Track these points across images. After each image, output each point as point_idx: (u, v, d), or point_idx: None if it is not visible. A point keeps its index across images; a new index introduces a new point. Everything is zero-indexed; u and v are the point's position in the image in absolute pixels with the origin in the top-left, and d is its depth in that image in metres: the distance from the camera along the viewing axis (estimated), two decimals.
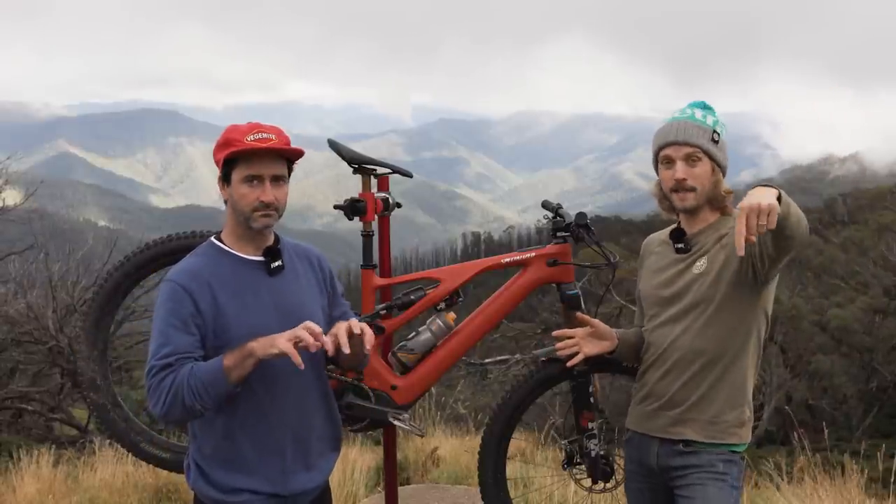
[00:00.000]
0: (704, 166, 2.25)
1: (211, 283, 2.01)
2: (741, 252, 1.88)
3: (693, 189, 2.25)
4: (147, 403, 2.02)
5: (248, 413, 2.04)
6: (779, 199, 1.92)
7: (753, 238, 1.87)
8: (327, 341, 1.93)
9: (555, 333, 2.57)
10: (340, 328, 1.98)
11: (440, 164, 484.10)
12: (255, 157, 2.00)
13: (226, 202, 2.08)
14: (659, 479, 2.33)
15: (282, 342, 1.87)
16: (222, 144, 2.03)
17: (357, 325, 1.99)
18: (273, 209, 2.03)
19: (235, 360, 1.91)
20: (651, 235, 2.55)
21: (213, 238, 2.12)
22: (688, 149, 2.24)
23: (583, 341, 2.50)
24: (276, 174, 2.03)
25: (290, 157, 2.08)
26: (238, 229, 2.08)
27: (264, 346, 1.90)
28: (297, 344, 1.88)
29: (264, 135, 2.01)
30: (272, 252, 2.10)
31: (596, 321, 2.54)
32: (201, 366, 1.93)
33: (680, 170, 2.24)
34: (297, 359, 1.86)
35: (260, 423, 2.05)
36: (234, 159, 2.01)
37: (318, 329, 1.91)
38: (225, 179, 2.04)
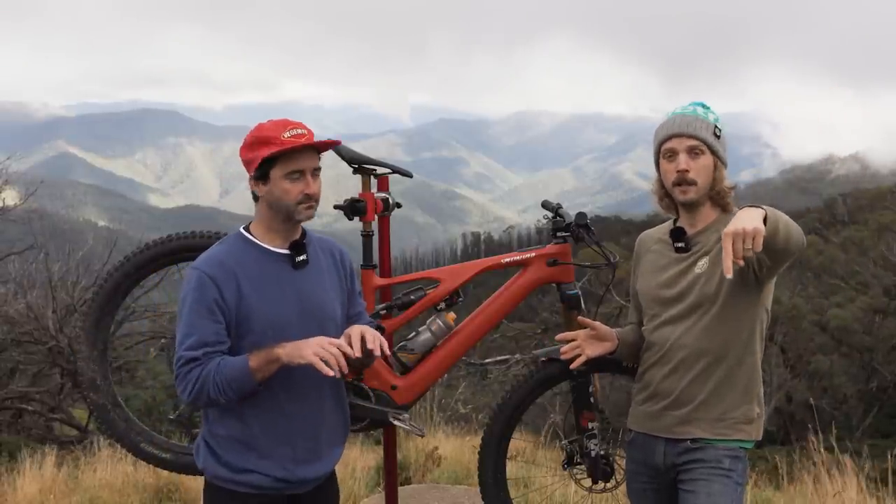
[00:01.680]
0: (707, 160, 2.26)
1: (236, 273, 2.06)
2: (729, 274, 1.91)
3: (694, 182, 2.25)
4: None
5: (263, 404, 2.08)
6: (766, 219, 1.95)
7: (741, 262, 1.91)
8: (350, 352, 1.98)
9: (558, 337, 2.58)
10: (354, 333, 2.02)
11: (440, 164, 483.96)
12: (295, 153, 2.06)
13: (256, 199, 2.13)
14: (664, 477, 2.33)
15: (309, 354, 1.94)
16: (259, 143, 2.07)
17: (371, 338, 2.02)
18: (314, 200, 2.11)
19: (260, 362, 1.98)
20: (645, 233, 2.54)
21: (241, 229, 2.17)
22: (691, 141, 2.25)
23: (585, 343, 2.51)
24: (315, 167, 2.12)
25: (323, 149, 2.15)
26: (272, 223, 2.12)
27: (291, 354, 1.96)
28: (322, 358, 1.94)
29: (299, 130, 2.07)
30: (298, 246, 2.14)
31: (597, 323, 2.54)
32: (227, 363, 1.98)
33: (683, 161, 2.25)
34: (324, 369, 1.93)
35: (274, 415, 2.09)
36: (274, 157, 2.05)
37: (346, 351, 1.97)
38: (262, 177, 2.08)
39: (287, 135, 2.05)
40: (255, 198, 2.14)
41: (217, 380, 1.97)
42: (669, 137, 2.28)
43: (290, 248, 2.14)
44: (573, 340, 2.53)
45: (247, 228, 2.17)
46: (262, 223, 2.14)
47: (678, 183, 2.27)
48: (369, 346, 2.01)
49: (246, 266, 2.08)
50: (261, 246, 2.12)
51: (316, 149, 2.12)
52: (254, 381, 1.98)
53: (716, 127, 2.28)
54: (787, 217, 2.04)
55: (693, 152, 2.25)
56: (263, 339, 2.03)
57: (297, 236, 2.16)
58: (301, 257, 2.14)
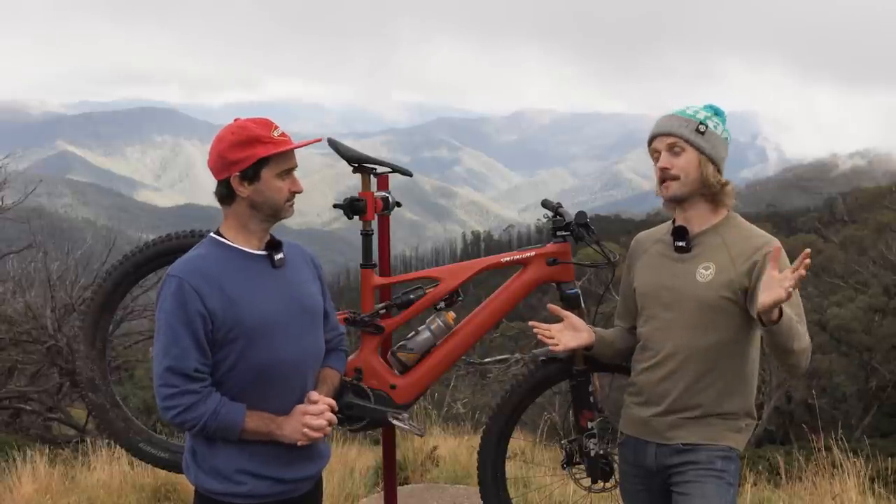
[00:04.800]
0: (689, 156, 2.26)
1: (220, 279, 2.03)
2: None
3: (676, 178, 2.27)
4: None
5: (256, 405, 2.07)
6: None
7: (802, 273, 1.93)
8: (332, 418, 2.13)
9: (531, 323, 2.55)
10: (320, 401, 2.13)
11: (439, 162, 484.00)
12: (287, 153, 2.08)
13: (232, 199, 2.08)
14: (656, 479, 2.33)
15: (303, 438, 2.06)
16: (250, 142, 2.03)
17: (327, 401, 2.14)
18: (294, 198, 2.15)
19: (258, 431, 2.04)
20: (642, 233, 2.53)
21: (212, 234, 2.14)
22: (669, 139, 2.28)
23: (559, 334, 2.49)
24: (296, 165, 2.14)
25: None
26: (250, 224, 2.10)
27: (293, 434, 2.05)
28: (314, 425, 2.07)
29: (282, 130, 2.09)
30: (275, 245, 2.14)
31: (569, 313, 2.53)
32: (225, 415, 2.01)
33: (663, 159, 2.29)
34: (325, 432, 2.09)
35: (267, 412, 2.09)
36: (267, 157, 2.04)
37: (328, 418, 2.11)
38: (252, 177, 2.05)
39: (276, 134, 2.06)
40: (226, 199, 2.08)
41: (209, 423, 1.99)
42: (652, 139, 2.33)
43: (266, 248, 2.13)
44: (548, 330, 2.50)
45: (218, 233, 2.13)
46: (237, 225, 2.11)
47: (661, 180, 2.30)
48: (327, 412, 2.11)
49: (227, 270, 2.05)
50: (238, 249, 2.10)
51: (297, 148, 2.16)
52: (238, 437, 2.03)
53: (700, 123, 2.28)
54: (801, 328, 2.08)
55: (673, 150, 2.27)
56: (254, 342, 2.03)
57: (269, 238, 2.16)
58: (279, 256, 2.14)
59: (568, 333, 2.49)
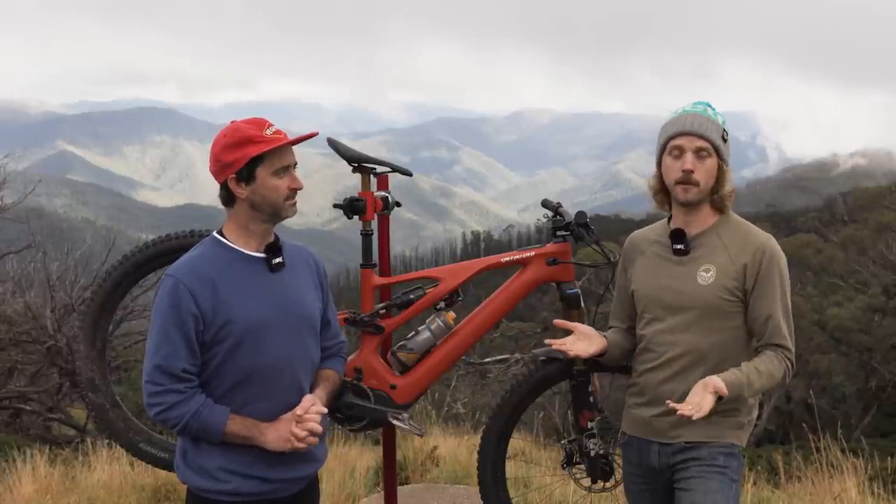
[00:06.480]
0: (712, 163, 2.25)
1: (214, 280, 2.03)
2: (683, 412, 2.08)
3: (697, 183, 2.24)
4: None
5: (244, 406, 2.07)
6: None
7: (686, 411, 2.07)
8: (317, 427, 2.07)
9: (547, 342, 2.53)
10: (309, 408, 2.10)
11: (439, 162, 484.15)
12: (281, 150, 2.07)
13: (230, 202, 2.09)
14: (660, 478, 2.34)
15: (288, 446, 2.03)
16: (242, 143, 2.03)
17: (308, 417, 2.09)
18: (295, 196, 2.13)
19: (240, 435, 2.02)
20: (636, 233, 2.51)
21: (215, 233, 2.15)
22: (701, 142, 2.23)
23: (573, 345, 2.45)
24: (296, 162, 2.12)
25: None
26: (251, 225, 2.10)
27: (276, 441, 2.03)
28: (302, 437, 2.04)
29: (276, 127, 2.08)
30: (274, 249, 2.13)
31: (576, 324, 2.51)
32: (206, 416, 2.01)
33: (689, 161, 2.23)
34: (310, 442, 2.05)
35: (250, 411, 2.08)
36: (262, 155, 2.04)
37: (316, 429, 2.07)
38: (247, 178, 2.05)
39: (268, 132, 2.05)
40: (229, 201, 2.09)
41: (190, 422, 2.00)
42: (679, 134, 2.25)
43: (265, 250, 2.12)
44: (563, 343, 2.46)
45: (220, 233, 2.14)
46: (239, 226, 2.11)
47: (681, 182, 2.25)
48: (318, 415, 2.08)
49: (223, 271, 2.06)
50: (237, 250, 2.10)
51: (291, 145, 2.13)
52: (220, 439, 2.03)
53: (724, 130, 2.27)
54: (764, 376, 2.18)
55: (700, 153, 2.23)
56: (243, 343, 2.04)
57: (272, 240, 2.15)
58: (277, 259, 2.13)
59: (581, 343, 2.45)
